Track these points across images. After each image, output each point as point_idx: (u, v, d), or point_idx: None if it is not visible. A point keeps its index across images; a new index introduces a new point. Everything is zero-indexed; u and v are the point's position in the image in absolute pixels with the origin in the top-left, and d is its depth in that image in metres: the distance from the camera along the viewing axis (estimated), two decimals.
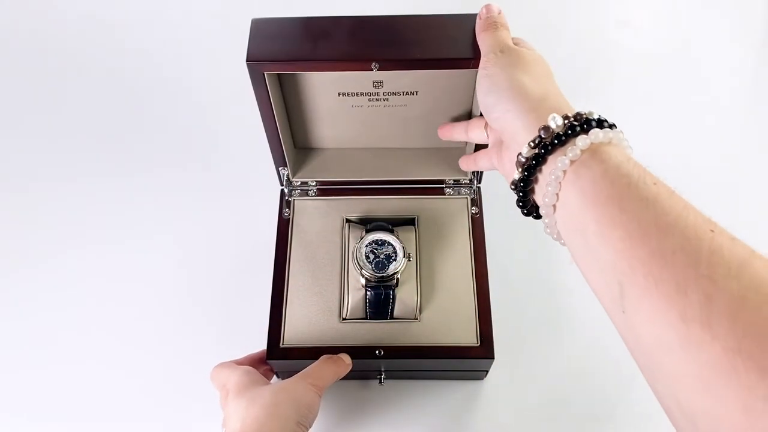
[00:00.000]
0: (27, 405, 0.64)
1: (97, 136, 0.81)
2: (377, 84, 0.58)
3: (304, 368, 0.54)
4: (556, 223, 0.37)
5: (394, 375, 0.62)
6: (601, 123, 0.36)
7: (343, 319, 0.59)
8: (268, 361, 0.58)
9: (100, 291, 0.70)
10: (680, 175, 0.76)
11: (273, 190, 0.67)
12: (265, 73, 0.51)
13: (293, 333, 0.59)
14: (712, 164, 0.78)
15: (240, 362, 0.57)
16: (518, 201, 0.40)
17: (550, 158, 0.36)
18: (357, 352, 0.58)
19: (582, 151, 0.34)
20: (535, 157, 0.37)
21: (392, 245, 0.59)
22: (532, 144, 0.37)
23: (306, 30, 0.51)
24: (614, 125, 0.37)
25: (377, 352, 0.57)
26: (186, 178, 0.77)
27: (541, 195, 0.37)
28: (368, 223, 0.63)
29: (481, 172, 0.64)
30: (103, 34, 0.89)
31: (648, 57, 0.87)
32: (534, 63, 0.43)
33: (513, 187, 0.40)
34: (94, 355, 0.66)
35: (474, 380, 0.63)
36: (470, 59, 0.49)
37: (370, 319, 0.59)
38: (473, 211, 0.65)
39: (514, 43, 0.46)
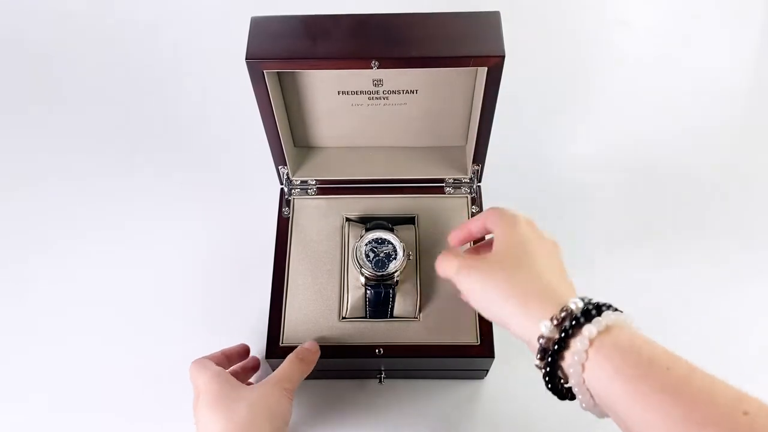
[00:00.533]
0: (26, 401, 0.64)
1: (95, 135, 0.81)
2: (377, 82, 0.58)
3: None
4: (591, 399, 0.38)
5: (394, 374, 0.62)
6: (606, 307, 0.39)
7: (343, 317, 0.59)
8: (267, 360, 0.58)
9: (99, 289, 0.70)
10: (680, 175, 0.77)
11: (273, 189, 0.67)
12: (264, 71, 0.51)
13: (293, 332, 0.59)
14: (712, 164, 0.78)
15: (214, 357, 0.56)
16: (548, 383, 0.40)
17: (571, 341, 0.38)
18: (357, 350, 0.57)
19: (599, 332, 0.37)
20: (558, 341, 0.38)
21: (392, 244, 0.59)
22: (554, 322, 0.38)
23: (305, 28, 0.51)
24: (618, 310, 0.39)
25: (377, 351, 0.57)
26: (185, 177, 0.77)
27: (568, 372, 0.38)
28: (368, 222, 0.63)
29: (482, 172, 0.64)
30: (104, 34, 0.89)
31: (648, 57, 0.87)
32: (504, 263, 0.44)
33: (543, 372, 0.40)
34: (93, 354, 0.66)
35: (474, 379, 0.63)
36: (470, 57, 0.49)
37: (369, 318, 0.59)
38: (473, 210, 0.65)
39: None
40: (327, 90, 0.59)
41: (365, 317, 0.59)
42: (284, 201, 0.66)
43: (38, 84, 0.86)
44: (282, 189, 0.66)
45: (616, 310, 0.39)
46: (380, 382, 0.61)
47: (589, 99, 0.84)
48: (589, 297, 0.39)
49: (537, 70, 0.85)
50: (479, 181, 0.65)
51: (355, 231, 0.63)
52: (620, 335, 0.37)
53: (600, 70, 0.86)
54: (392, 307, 0.59)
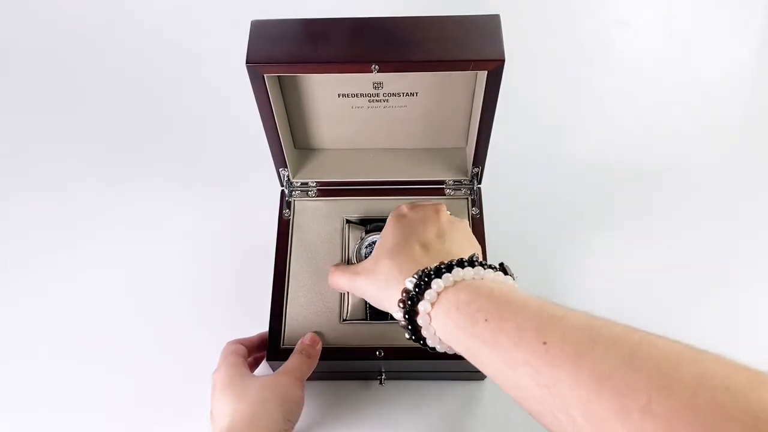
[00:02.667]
0: (27, 400, 0.64)
1: (98, 137, 0.81)
2: (377, 85, 0.58)
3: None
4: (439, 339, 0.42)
5: (395, 375, 0.62)
6: (468, 264, 0.42)
7: (344, 320, 0.59)
8: (268, 362, 0.58)
9: (100, 291, 0.70)
10: (680, 175, 0.77)
11: (273, 191, 0.67)
12: (265, 75, 0.51)
13: (294, 333, 0.59)
14: (713, 163, 0.78)
15: (247, 342, 0.60)
16: (407, 328, 0.44)
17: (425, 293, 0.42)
18: (357, 352, 0.58)
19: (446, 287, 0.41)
20: (413, 294, 0.42)
21: None
22: (415, 278, 0.43)
23: (306, 31, 0.51)
24: (487, 266, 0.43)
25: (377, 352, 0.57)
26: (186, 179, 0.77)
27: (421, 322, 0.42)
28: (368, 224, 0.63)
29: (482, 174, 0.64)
30: (104, 37, 0.89)
31: (648, 57, 0.87)
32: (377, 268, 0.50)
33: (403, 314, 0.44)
34: (92, 353, 0.66)
35: (475, 381, 0.64)
36: (470, 61, 0.49)
37: (370, 320, 0.59)
38: (474, 212, 0.65)
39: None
40: (327, 92, 0.59)
41: (365, 319, 0.59)
42: (285, 203, 0.66)
43: (38, 85, 0.86)
44: (282, 191, 0.66)
45: (498, 270, 0.43)
46: (381, 383, 0.62)
47: (590, 101, 0.84)
48: (471, 259, 0.43)
49: (537, 72, 0.85)
50: (479, 183, 0.66)
51: (355, 233, 0.63)
52: (464, 289, 0.40)
53: (600, 71, 0.86)
54: None
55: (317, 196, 0.66)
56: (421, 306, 0.41)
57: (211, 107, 0.83)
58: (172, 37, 0.89)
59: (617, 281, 0.69)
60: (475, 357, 0.39)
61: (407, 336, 0.44)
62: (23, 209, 0.76)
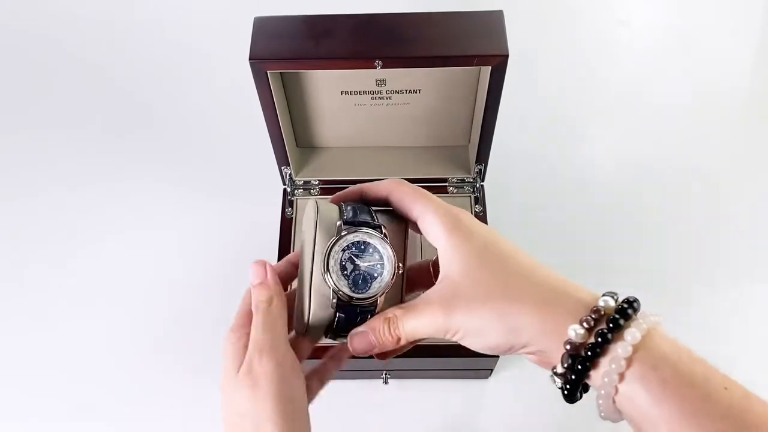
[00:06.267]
0: (29, 404, 0.64)
1: (100, 136, 0.81)
2: (380, 82, 0.57)
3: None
4: (615, 410, 0.32)
5: (399, 374, 0.62)
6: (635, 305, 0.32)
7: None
8: None
9: (100, 289, 0.70)
10: (681, 174, 0.77)
11: (276, 189, 0.67)
12: (267, 71, 0.51)
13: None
14: (713, 162, 0.78)
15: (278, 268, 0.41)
16: (565, 389, 0.33)
17: (610, 347, 0.31)
18: None
19: (642, 337, 0.31)
20: (593, 347, 0.31)
21: (378, 252, 0.38)
22: (585, 325, 0.31)
23: (309, 28, 0.51)
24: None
25: None
26: (188, 177, 0.77)
27: (599, 383, 0.32)
28: (347, 210, 0.39)
29: (485, 171, 0.64)
30: (105, 35, 0.89)
31: (649, 57, 0.87)
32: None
33: (561, 377, 0.33)
34: (91, 352, 0.66)
35: (479, 379, 0.63)
36: (474, 57, 0.49)
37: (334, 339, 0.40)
38: (477, 210, 0.65)
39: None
40: (330, 90, 0.59)
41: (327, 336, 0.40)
42: (287, 201, 0.65)
43: (38, 85, 0.86)
44: (285, 189, 0.66)
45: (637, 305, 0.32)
46: (385, 382, 0.61)
47: (592, 98, 0.84)
48: (611, 291, 0.33)
49: (540, 69, 0.85)
50: (482, 181, 0.65)
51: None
52: (664, 343, 0.31)
53: (603, 69, 0.86)
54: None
55: (320, 195, 0.66)
56: (607, 366, 0.31)
57: (213, 106, 0.83)
58: (174, 36, 0.89)
59: (620, 281, 0.69)
60: None
61: (564, 393, 0.32)
62: (23, 209, 0.76)
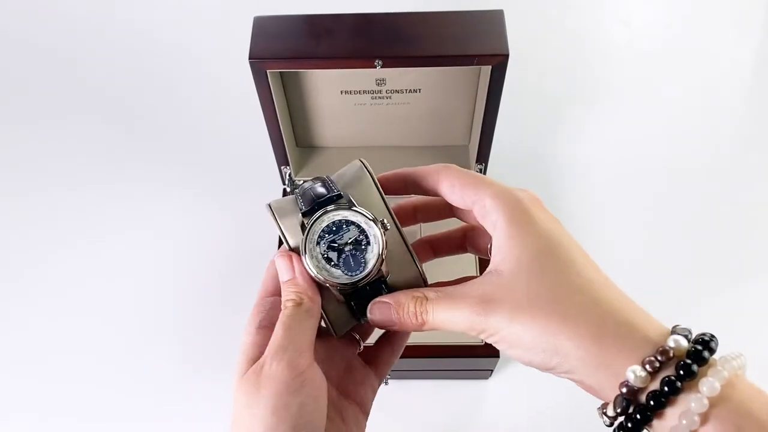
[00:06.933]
0: (29, 403, 0.64)
1: (100, 135, 0.81)
2: (380, 82, 0.57)
3: None
4: None
5: (400, 374, 0.62)
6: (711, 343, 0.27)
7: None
8: None
9: (99, 289, 0.70)
10: (681, 174, 0.77)
11: (275, 189, 0.67)
12: (267, 71, 0.51)
13: None
14: (714, 162, 0.78)
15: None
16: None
17: (680, 398, 0.26)
18: None
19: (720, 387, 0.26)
20: (657, 396, 0.26)
21: (353, 223, 0.34)
22: (648, 368, 0.26)
23: (308, 27, 0.51)
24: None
25: None
26: (188, 177, 0.77)
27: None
28: (300, 200, 0.35)
29: (485, 170, 0.64)
30: (105, 35, 0.89)
31: (648, 57, 0.87)
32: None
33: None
34: (90, 352, 0.66)
35: (479, 379, 0.63)
36: (474, 56, 0.49)
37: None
38: None
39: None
40: (330, 90, 0.59)
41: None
42: None
43: (37, 85, 0.85)
44: (284, 189, 0.66)
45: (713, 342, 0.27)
46: (386, 382, 0.61)
47: (593, 97, 0.83)
48: (683, 326, 0.28)
49: (540, 68, 0.85)
50: None
51: None
52: (749, 395, 0.26)
53: (604, 68, 0.86)
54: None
55: None
56: (675, 420, 0.26)
57: (212, 106, 0.83)
58: (173, 35, 0.89)
59: (622, 282, 0.68)
60: None
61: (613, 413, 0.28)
62: (23, 209, 0.76)
